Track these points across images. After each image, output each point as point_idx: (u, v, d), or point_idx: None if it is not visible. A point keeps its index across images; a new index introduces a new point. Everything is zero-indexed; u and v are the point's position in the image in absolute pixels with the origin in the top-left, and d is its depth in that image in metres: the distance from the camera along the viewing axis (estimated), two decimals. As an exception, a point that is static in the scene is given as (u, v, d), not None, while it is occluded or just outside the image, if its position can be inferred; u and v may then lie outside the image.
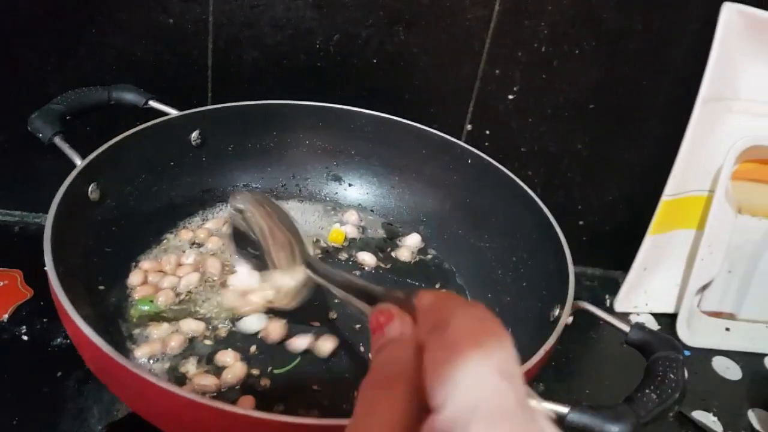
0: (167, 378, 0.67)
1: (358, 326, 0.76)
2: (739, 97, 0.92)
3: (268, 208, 0.68)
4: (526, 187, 0.81)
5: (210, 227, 0.86)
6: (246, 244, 0.68)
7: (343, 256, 0.87)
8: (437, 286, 0.84)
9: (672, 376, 0.56)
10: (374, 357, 0.34)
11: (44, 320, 0.79)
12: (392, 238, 0.91)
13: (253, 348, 0.71)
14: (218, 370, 0.68)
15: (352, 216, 0.92)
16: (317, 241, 0.88)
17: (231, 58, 0.92)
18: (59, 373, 0.74)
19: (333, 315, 0.77)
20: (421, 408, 0.29)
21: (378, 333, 0.35)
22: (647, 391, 0.56)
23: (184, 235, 0.84)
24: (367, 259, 0.86)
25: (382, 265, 0.86)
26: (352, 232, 0.90)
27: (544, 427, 0.27)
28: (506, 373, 0.28)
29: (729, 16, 0.87)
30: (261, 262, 0.68)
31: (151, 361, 0.68)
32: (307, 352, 0.72)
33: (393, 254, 0.88)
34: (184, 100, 0.88)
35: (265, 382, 0.68)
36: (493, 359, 0.28)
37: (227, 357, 0.69)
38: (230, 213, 0.69)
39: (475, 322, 0.30)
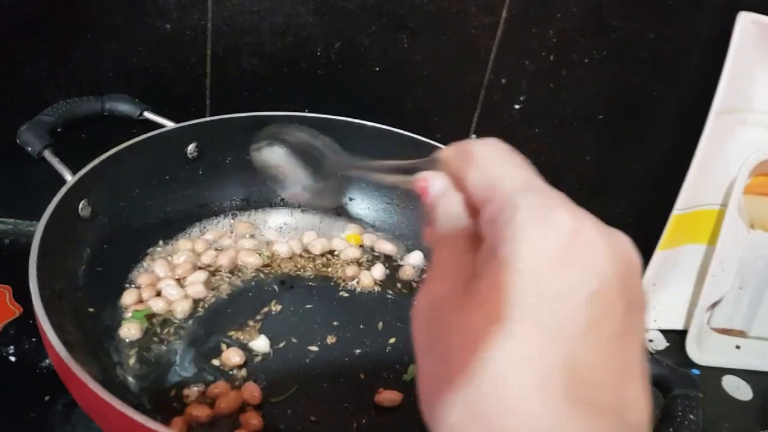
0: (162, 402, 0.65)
1: (357, 351, 0.74)
2: (753, 109, 0.90)
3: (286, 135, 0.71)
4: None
5: (209, 238, 0.84)
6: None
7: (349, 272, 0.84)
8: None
9: (692, 416, 0.54)
10: (430, 213, 0.40)
11: (33, 340, 0.77)
12: (393, 256, 0.88)
13: (244, 372, 0.69)
14: (212, 400, 0.65)
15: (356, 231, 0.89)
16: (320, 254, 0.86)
17: (230, 66, 0.90)
18: (47, 397, 0.72)
19: (332, 340, 0.74)
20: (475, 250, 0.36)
21: (424, 196, 0.40)
22: (667, 434, 0.53)
23: (183, 244, 0.82)
24: (365, 279, 0.83)
25: (384, 284, 0.83)
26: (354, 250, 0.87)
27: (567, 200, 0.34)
28: (526, 168, 0.36)
29: (744, 26, 0.85)
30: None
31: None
32: (305, 378, 0.69)
33: (395, 272, 0.85)
34: (182, 107, 0.87)
35: (260, 412, 0.65)
36: (516, 162, 0.37)
37: (221, 387, 0.66)
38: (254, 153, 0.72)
39: (486, 144, 0.38)
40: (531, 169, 0.37)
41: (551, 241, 0.31)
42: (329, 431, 0.65)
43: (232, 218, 0.88)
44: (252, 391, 0.66)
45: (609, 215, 0.99)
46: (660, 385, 0.59)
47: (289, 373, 0.70)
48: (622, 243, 0.33)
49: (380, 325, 0.77)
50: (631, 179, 1.00)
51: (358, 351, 0.74)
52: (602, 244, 0.31)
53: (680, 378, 0.58)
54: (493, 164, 0.37)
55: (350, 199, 0.92)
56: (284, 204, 0.91)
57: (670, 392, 0.57)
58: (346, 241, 0.87)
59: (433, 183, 0.40)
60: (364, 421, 0.66)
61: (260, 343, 0.71)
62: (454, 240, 0.38)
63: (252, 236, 0.86)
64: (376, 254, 0.88)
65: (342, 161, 0.64)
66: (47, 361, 0.75)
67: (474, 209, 0.37)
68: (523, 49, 0.90)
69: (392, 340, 0.75)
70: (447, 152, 0.40)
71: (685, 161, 0.90)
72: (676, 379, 0.58)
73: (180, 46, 0.87)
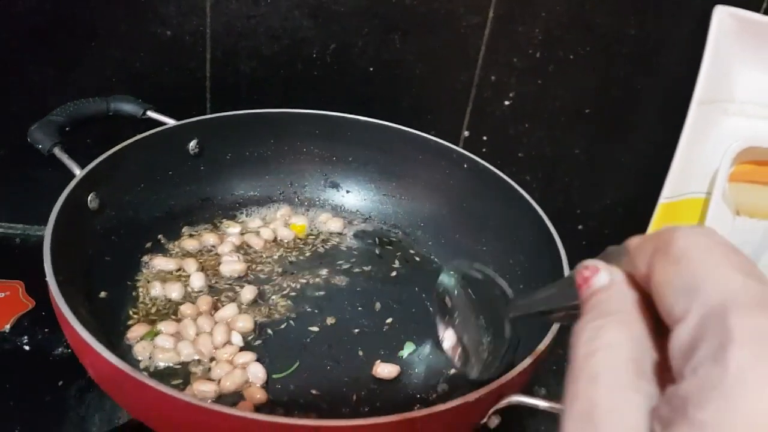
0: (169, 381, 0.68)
1: (356, 330, 0.76)
2: (733, 99, 0.92)
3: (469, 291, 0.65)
4: (521, 190, 0.81)
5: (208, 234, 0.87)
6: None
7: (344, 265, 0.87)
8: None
9: None
10: (585, 305, 0.32)
11: (45, 330, 0.80)
12: (389, 243, 0.91)
13: (251, 355, 0.71)
14: (218, 379, 0.68)
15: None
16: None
17: (229, 69, 0.92)
18: (61, 382, 0.75)
19: (332, 320, 0.77)
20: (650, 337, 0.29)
21: (584, 287, 0.33)
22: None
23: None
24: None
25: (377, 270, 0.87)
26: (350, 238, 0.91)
27: None
28: (746, 271, 0.26)
29: (721, 19, 0.87)
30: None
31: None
32: (306, 356, 0.72)
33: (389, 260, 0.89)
34: (183, 111, 0.89)
35: (263, 387, 0.68)
36: (729, 259, 0.27)
37: (225, 366, 0.69)
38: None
39: (695, 233, 0.29)
40: (759, 273, 0.26)
41: None
42: (330, 403, 0.68)
43: (236, 211, 0.92)
44: (256, 372, 0.69)
45: (599, 206, 1.03)
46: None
47: (291, 351, 0.72)
48: None
49: (377, 306, 0.80)
50: (619, 170, 1.02)
51: (356, 331, 0.76)
52: None
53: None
54: (699, 260, 0.27)
55: (347, 192, 0.95)
56: (283, 196, 0.94)
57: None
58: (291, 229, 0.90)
59: (600, 274, 0.32)
60: (363, 393, 0.69)
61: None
62: (618, 316, 0.29)
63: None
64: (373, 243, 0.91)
65: (520, 304, 0.55)
66: (60, 349, 0.78)
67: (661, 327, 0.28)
68: (511, 47, 0.93)
69: (389, 320, 0.78)
70: (635, 241, 0.32)
71: (671, 151, 0.92)
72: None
73: (180, 51, 0.90)
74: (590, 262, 0.33)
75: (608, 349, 0.28)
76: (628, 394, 0.26)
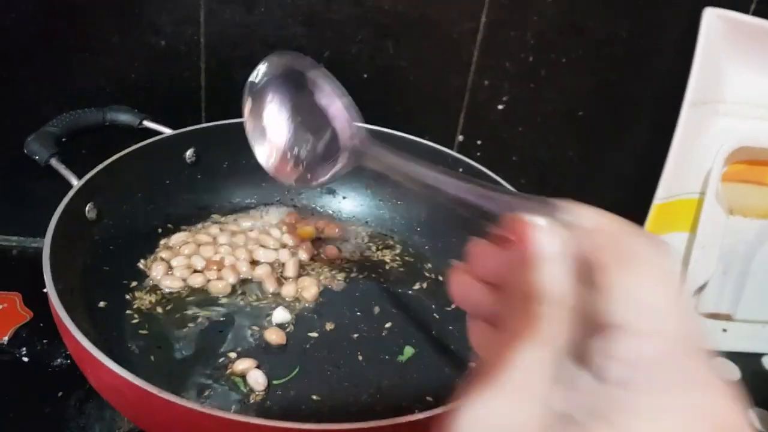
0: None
1: (355, 336, 0.77)
2: (725, 99, 0.93)
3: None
4: (515, 191, 0.82)
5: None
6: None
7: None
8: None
9: None
10: (530, 274, 0.30)
11: (44, 341, 0.80)
12: (387, 248, 0.91)
13: (251, 362, 0.71)
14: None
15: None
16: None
17: (223, 78, 0.92)
18: (60, 393, 0.75)
19: (330, 326, 0.77)
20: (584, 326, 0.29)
21: (527, 245, 0.31)
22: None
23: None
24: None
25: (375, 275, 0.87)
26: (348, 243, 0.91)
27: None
28: (689, 311, 0.30)
29: (711, 21, 0.88)
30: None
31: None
32: (306, 362, 0.73)
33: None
34: (178, 120, 0.89)
35: (264, 392, 0.69)
36: (676, 292, 0.29)
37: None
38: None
39: (657, 254, 0.30)
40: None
41: None
42: (331, 408, 0.68)
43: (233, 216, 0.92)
44: (256, 378, 0.69)
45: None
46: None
47: (291, 357, 0.73)
48: None
49: (376, 310, 0.80)
50: (613, 172, 1.03)
51: (355, 335, 0.77)
52: None
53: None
54: (662, 285, 0.29)
55: (344, 198, 0.95)
56: (280, 203, 0.94)
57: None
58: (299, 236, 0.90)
59: (550, 239, 0.31)
60: (364, 397, 0.69)
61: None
62: (559, 309, 0.29)
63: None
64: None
65: (368, 150, 0.50)
66: (59, 360, 0.78)
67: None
68: (504, 51, 0.93)
69: (388, 325, 0.78)
70: (586, 217, 0.31)
71: (664, 152, 0.93)
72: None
73: (175, 61, 0.90)
74: (533, 217, 0.31)
75: (552, 328, 0.29)
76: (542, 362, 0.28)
